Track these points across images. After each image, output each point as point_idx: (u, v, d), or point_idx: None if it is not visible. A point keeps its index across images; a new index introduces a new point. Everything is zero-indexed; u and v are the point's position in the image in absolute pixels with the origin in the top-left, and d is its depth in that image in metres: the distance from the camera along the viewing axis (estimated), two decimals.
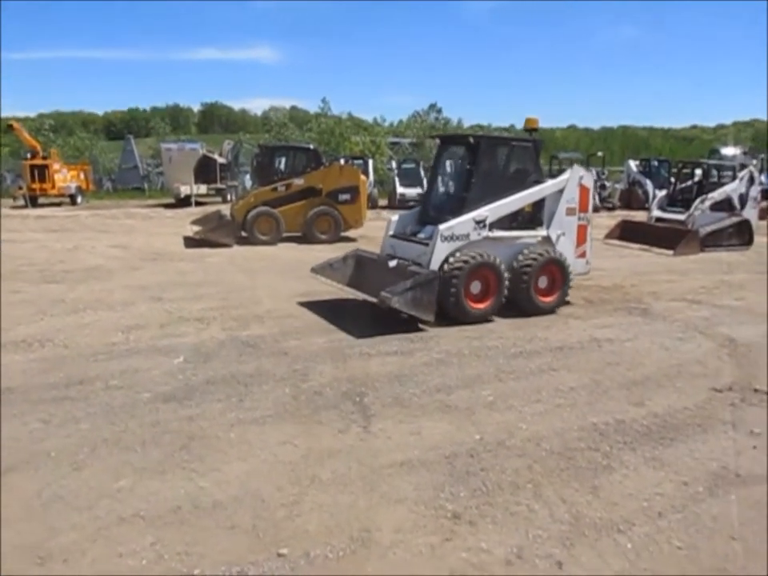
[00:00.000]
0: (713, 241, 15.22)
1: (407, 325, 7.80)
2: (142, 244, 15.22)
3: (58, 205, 27.00)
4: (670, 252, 14.39)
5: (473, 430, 4.93)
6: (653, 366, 6.56)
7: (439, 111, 46.81)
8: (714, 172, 19.23)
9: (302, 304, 8.93)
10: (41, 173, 26.71)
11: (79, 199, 27.85)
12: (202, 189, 26.76)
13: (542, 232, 8.93)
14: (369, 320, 8.01)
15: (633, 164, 29.09)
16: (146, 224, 20.25)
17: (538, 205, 9.01)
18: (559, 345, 7.21)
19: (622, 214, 22.52)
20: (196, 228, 16.08)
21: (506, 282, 8.35)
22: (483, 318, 8.20)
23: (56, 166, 27.38)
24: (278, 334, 7.41)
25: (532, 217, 9.03)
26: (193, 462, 4.31)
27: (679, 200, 16.81)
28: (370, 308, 8.05)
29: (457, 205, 8.63)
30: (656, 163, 28.99)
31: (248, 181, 27.89)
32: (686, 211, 15.84)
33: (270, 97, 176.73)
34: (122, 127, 74.28)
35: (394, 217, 9.38)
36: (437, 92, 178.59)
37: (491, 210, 8.46)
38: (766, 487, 4.11)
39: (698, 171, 19.32)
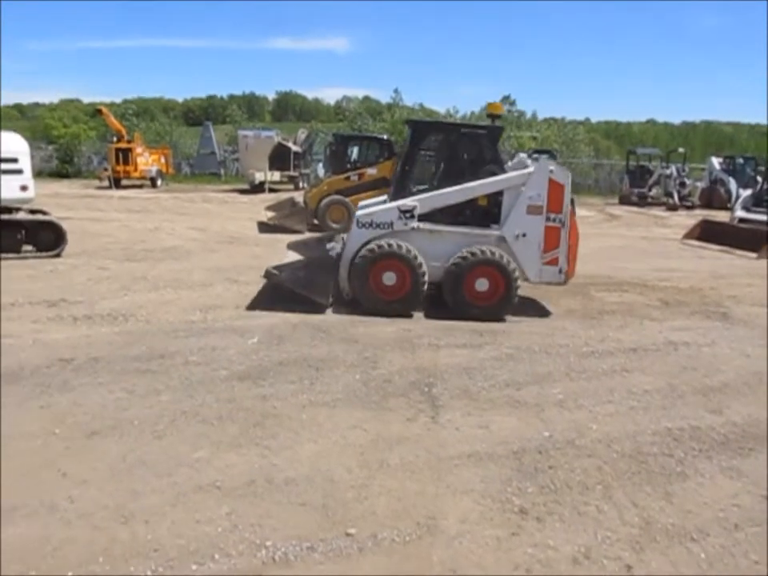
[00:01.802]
0: None
1: (475, 320, 7.78)
2: (219, 227, 15.69)
3: (140, 187, 28.13)
4: (753, 255, 13.72)
5: (542, 427, 4.89)
6: (732, 372, 6.31)
7: (513, 103, 46.12)
8: None
9: None
10: (125, 156, 27.86)
11: (159, 182, 28.90)
12: (276, 176, 27.30)
13: (495, 231, 8.04)
14: (439, 312, 8.02)
15: (716, 161, 27.86)
16: (222, 208, 20.86)
17: (496, 200, 8.11)
18: (633, 346, 7.03)
19: (702, 214, 21.64)
20: (270, 214, 16.47)
21: (424, 278, 7.79)
22: (399, 313, 7.78)
23: (139, 150, 28.49)
24: (348, 321, 7.53)
25: (487, 212, 8.15)
26: (266, 439, 4.46)
27: (766, 200, 16.01)
28: (441, 300, 8.07)
29: (392, 192, 8.31)
30: (741, 161, 27.64)
31: (320, 169, 28.23)
32: None
33: (342, 86, 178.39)
34: (200, 114, 76.53)
35: (364, 202, 9.15)
36: (511, 84, 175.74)
37: (421, 201, 7.96)
38: None
39: None
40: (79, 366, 5.69)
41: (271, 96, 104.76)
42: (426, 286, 7.91)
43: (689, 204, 25.88)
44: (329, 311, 7.86)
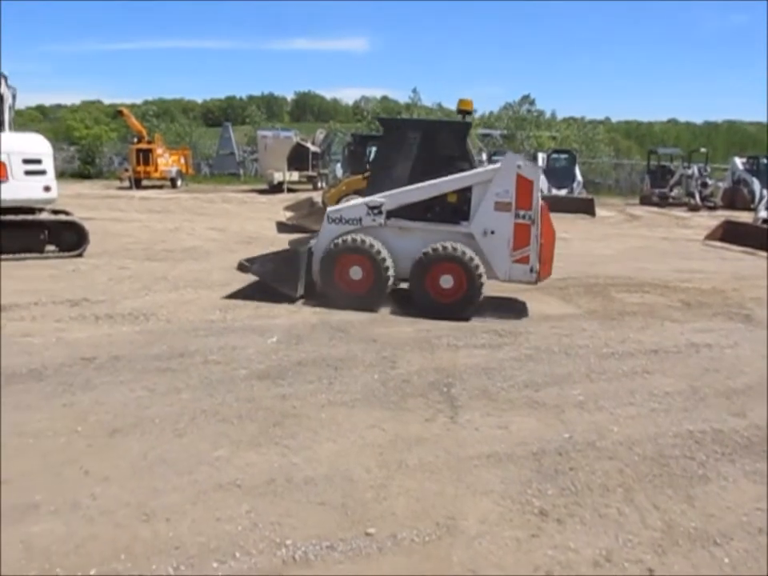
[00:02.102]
0: None
1: (496, 320, 7.76)
2: (238, 228, 15.80)
3: (160, 187, 28.43)
4: None
5: (561, 428, 4.85)
6: (755, 375, 6.22)
7: (532, 103, 45.79)
8: None
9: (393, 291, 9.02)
10: (145, 156, 28.21)
11: (179, 182, 29.20)
12: (295, 176, 27.46)
13: (464, 228, 7.97)
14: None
15: (738, 161, 27.52)
16: (241, 208, 21.00)
17: (465, 196, 8.03)
18: (654, 348, 6.96)
19: (724, 215, 21.36)
20: (289, 214, 16.55)
21: (388, 273, 7.86)
22: (362, 306, 7.83)
23: (159, 151, 28.83)
24: (367, 320, 7.54)
25: (456, 209, 8.08)
26: (286, 438, 4.48)
27: None
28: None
29: (366, 189, 8.37)
30: (765, 161, 27.23)
31: (339, 169, 28.34)
32: None
33: (361, 87, 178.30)
34: (219, 114, 77.04)
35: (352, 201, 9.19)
36: (530, 83, 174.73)
37: (389, 197, 8.00)
38: None
39: None
40: (101, 365, 5.75)
41: (290, 96, 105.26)
42: (390, 282, 7.99)
43: (711, 204, 25.58)
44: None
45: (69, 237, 11.04)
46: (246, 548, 3.27)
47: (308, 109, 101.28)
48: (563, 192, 24.91)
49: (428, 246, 7.80)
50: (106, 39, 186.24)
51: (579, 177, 26.39)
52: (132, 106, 46.31)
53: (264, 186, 27.92)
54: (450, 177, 8.02)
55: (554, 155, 28.07)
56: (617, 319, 8.15)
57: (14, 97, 11.00)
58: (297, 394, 5.28)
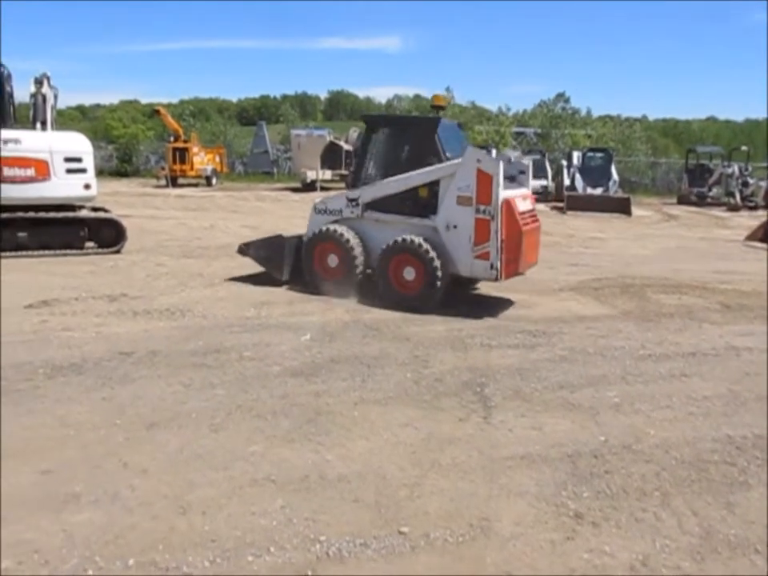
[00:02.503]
0: None
1: (528, 320, 7.68)
2: (271, 225, 15.88)
3: (195, 185, 28.81)
4: None
5: (597, 430, 4.79)
6: None
7: (567, 100, 45.25)
8: None
9: None
10: (181, 155, 28.61)
11: (214, 181, 29.55)
12: (328, 174, 27.55)
13: (430, 221, 8.08)
14: (491, 311, 7.97)
15: None
16: (275, 206, 21.17)
17: (434, 191, 8.11)
18: (692, 350, 6.82)
19: (765, 214, 20.81)
20: None
21: (356, 262, 8.26)
22: (338, 294, 8.26)
23: (195, 149, 29.21)
24: (400, 319, 7.54)
25: (426, 203, 8.18)
26: (319, 435, 4.51)
27: None
28: (492, 300, 8.01)
29: (350, 182, 8.91)
30: None
31: None
32: None
33: (393, 85, 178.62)
34: (253, 113, 77.75)
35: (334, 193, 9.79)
36: (565, 81, 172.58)
37: (365, 190, 8.46)
38: None
39: None
40: (139, 360, 5.87)
41: (323, 95, 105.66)
42: (358, 270, 8.36)
43: (752, 204, 24.95)
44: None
45: (107, 234, 11.27)
46: (281, 543, 3.30)
47: (341, 107, 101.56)
48: (599, 191, 24.55)
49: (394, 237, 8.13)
50: (143, 40, 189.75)
51: (615, 176, 25.96)
52: (168, 106, 47.09)
53: (297, 185, 28.08)
54: (418, 171, 8.20)
55: (590, 154, 27.65)
56: (653, 321, 8.01)
57: (55, 97, 11.25)
58: (330, 391, 5.31)
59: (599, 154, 27.66)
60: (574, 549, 3.39)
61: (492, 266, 7.73)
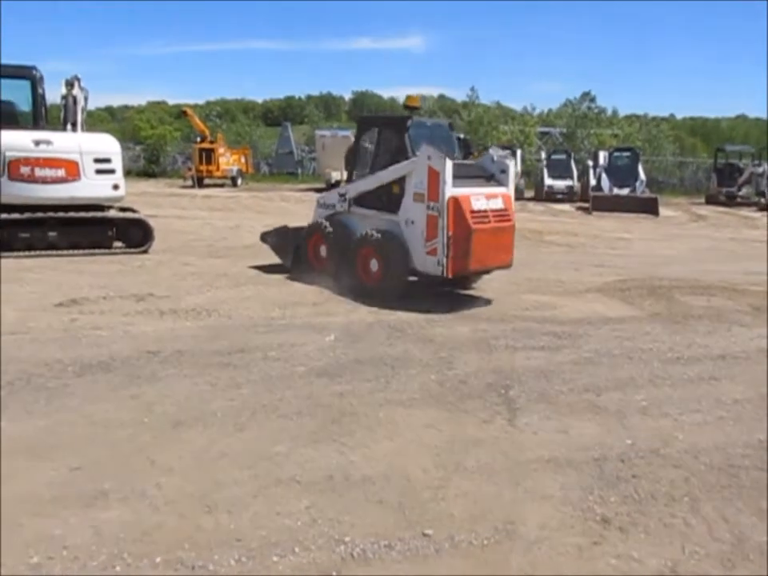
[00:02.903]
0: None
1: (554, 322, 7.61)
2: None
3: (221, 186, 29.09)
4: None
5: (624, 434, 4.73)
6: None
7: (593, 100, 44.67)
8: None
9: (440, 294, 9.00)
10: (208, 156, 28.91)
11: (239, 181, 29.82)
12: None
13: (396, 217, 8.46)
14: (516, 312, 7.91)
15: None
16: (299, 207, 21.23)
17: (402, 187, 8.41)
18: (721, 353, 6.70)
19: None
20: None
21: (334, 251, 8.93)
22: (326, 284, 8.80)
23: (221, 150, 29.51)
24: (424, 320, 7.53)
25: (396, 199, 8.49)
26: (343, 436, 4.51)
27: None
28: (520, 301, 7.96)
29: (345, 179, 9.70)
30: None
31: None
32: None
33: (418, 85, 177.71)
34: (278, 114, 78.16)
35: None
36: (591, 80, 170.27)
37: (350, 187, 9.23)
38: None
39: None
40: (165, 359, 5.93)
41: (347, 96, 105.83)
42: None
43: None
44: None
45: (135, 233, 11.40)
46: (306, 543, 3.31)
47: (365, 108, 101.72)
48: (625, 191, 24.26)
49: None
50: (170, 42, 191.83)
51: (642, 175, 25.61)
52: (195, 107, 47.56)
53: (322, 185, 28.19)
54: (388, 169, 8.63)
55: (616, 153, 27.34)
56: (681, 323, 7.88)
57: (86, 99, 11.44)
58: (354, 391, 5.31)
59: (626, 154, 27.34)
60: (601, 554, 3.35)
61: (438, 263, 7.94)
